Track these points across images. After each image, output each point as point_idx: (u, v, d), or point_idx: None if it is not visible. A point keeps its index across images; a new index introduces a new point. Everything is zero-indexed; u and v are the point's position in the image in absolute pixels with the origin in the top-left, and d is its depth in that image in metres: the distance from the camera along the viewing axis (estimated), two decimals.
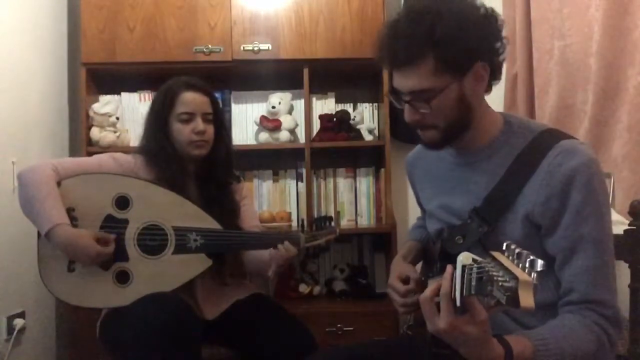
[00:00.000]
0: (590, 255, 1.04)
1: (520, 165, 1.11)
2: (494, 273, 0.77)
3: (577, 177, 1.04)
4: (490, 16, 1.11)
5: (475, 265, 0.82)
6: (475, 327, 0.87)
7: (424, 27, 1.05)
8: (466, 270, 0.84)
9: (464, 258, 0.84)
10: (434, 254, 1.25)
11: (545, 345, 0.96)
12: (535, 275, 0.74)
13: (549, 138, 1.11)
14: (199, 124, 1.69)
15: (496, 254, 0.81)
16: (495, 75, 1.14)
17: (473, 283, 0.82)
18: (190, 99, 1.70)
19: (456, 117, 1.12)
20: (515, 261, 0.78)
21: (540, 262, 0.75)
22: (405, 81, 1.10)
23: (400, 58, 1.08)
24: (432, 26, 1.05)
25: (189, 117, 1.69)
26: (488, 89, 1.16)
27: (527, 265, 0.75)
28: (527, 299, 0.72)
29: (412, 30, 1.06)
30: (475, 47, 1.08)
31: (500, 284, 0.74)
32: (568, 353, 0.97)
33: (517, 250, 0.78)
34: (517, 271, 0.75)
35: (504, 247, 0.81)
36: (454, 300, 0.87)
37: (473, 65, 1.09)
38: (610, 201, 1.22)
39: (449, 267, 0.90)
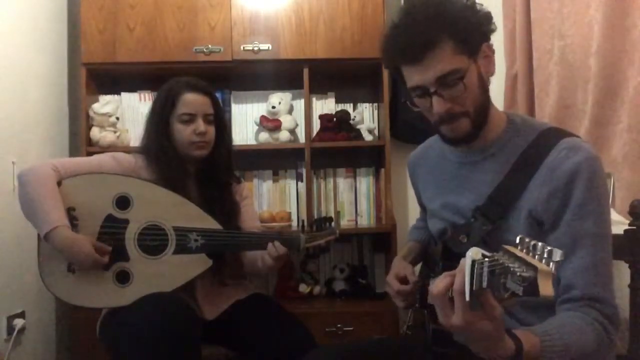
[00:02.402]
0: (590, 252, 1.04)
1: (523, 163, 1.12)
2: (510, 264, 0.77)
3: (580, 173, 1.05)
4: (475, 1, 1.14)
5: (487, 259, 0.82)
6: (491, 324, 0.85)
7: (434, 13, 1.07)
8: (476, 265, 0.84)
9: (474, 253, 0.84)
10: (436, 254, 1.25)
11: (550, 339, 0.96)
12: (553, 265, 0.74)
13: (552, 136, 1.12)
14: (200, 124, 1.69)
15: (509, 247, 0.81)
16: None
17: (484, 277, 0.82)
18: (192, 100, 1.70)
19: (481, 101, 1.13)
20: (531, 253, 0.78)
21: (559, 252, 0.75)
22: (427, 71, 1.08)
23: (418, 48, 1.07)
24: (440, 10, 1.07)
25: (190, 118, 1.69)
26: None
27: (545, 255, 0.76)
28: (546, 288, 0.73)
29: (422, 18, 1.07)
30: (481, 26, 1.11)
31: (518, 274, 0.74)
32: (573, 348, 0.97)
33: (532, 243, 0.78)
34: (535, 262, 0.75)
35: (517, 241, 0.81)
36: (463, 295, 0.86)
37: (481, 45, 1.12)
38: (610, 200, 1.23)
39: (462, 262, 0.90)
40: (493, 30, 1.15)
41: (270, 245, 1.61)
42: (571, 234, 1.05)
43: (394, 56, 1.12)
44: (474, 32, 1.09)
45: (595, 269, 1.04)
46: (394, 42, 1.11)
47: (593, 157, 1.07)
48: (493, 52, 1.15)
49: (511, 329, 0.95)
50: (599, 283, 1.04)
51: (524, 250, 0.79)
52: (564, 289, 1.06)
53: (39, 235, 1.56)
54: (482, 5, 1.14)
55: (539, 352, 0.94)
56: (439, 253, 1.23)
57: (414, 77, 1.10)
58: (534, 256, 0.77)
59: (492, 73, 1.16)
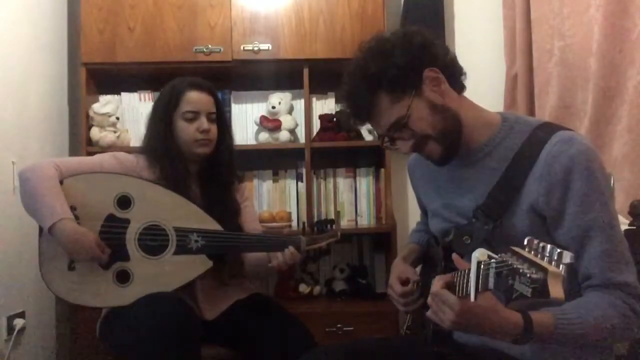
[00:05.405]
0: (602, 241, 1.04)
1: (519, 160, 1.13)
2: (519, 266, 0.77)
3: (576, 165, 1.05)
4: (409, 33, 1.17)
5: (493, 260, 0.82)
6: (483, 300, 0.88)
7: (360, 77, 1.14)
8: (482, 266, 0.83)
9: (480, 254, 0.84)
10: (438, 255, 1.25)
11: (564, 314, 0.96)
12: (564, 267, 0.74)
13: (546, 130, 1.13)
14: (203, 122, 1.69)
15: (516, 249, 0.81)
16: (455, 73, 1.19)
17: (491, 278, 0.82)
18: (196, 98, 1.70)
19: (442, 124, 1.15)
20: (539, 255, 0.77)
21: (569, 255, 0.75)
22: (379, 126, 1.19)
23: (360, 116, 1.20)
24: (365, 71, 1.13)
25: (194, 116, 1.69)
26: (462, 87, 1.20)
27: (555, 257, 0.75)
28: (557, 290, 0.73)
29: (354, 87, 1.17)
30: (411, 60, 1.13)
31: (528, 275, 0.74)
32: (591, 323, 0.97)
33: (541, 244, 0.78)
34: (544, 263, 0.75)
35: (525, 242, 0.81)
36: (469, 296, 0.87)
37: (422, 75, 1.13)
38: (611, 185, 1.23)
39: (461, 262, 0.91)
40: (435, 50, 1.16)
41: (286, 250, 1.61)
42: (579, 227, 1.05)
43: (352, 122, 1.26)
44: (406, 73, 1.12)
45: (610, 256, 1.04)
46: (342, 113, 1.25)
47: (587, 147, 1.08)
48: (440, 73, 1.15)
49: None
50: (617, 269, 1.04)
51: (532, 252, 0.79)
52: (583, 279, 1.06)
53: (39, 234, 1.56)
54: (411, 31, 1.17)
55: (552, 327, 0.95)
56: (440, 254, 1.23)
57: (374, 131, 1.22)
58: (542, 258, 0.77)
59: (448, 92, 1.16)
